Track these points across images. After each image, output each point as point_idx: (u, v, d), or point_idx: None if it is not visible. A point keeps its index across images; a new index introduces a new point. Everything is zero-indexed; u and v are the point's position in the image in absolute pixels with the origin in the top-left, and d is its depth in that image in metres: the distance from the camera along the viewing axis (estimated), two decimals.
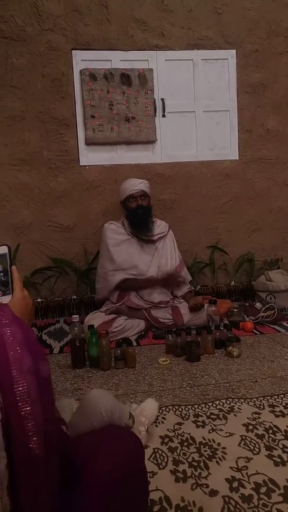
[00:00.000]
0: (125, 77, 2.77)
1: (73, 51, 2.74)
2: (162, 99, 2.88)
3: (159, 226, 2.58)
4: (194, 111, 2.95)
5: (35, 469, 0.55)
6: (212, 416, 1.42)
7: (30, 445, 0.54)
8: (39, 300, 2.78)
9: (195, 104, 2.95)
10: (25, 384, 0.55)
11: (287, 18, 2.96)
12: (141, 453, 0.87)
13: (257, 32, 2.93)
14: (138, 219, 2.43)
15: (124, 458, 0.79)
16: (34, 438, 0.54)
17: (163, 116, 2.90)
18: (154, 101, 2.85)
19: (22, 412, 0.54)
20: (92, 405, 1.05)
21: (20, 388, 0.55)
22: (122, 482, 0.76)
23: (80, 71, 2.74)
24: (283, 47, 2.99)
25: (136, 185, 2.43)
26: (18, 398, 0.54)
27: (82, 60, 2.76)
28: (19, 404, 0.54)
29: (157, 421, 1.40)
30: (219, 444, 1.26)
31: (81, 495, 0.72)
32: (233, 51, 2.93)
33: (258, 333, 2.33)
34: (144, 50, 2.82)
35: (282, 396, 1.55)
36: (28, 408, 0.55)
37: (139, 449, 0.86)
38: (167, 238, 2.56)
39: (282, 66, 3.00)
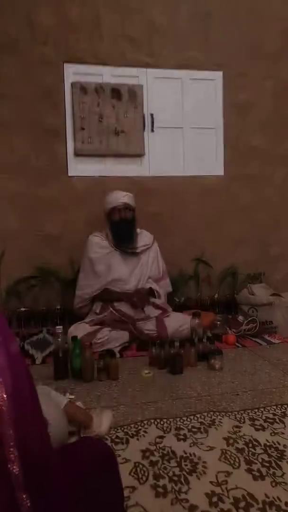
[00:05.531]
0: (116, 92, 2.83)
1: (65, 64, 2.78)
2: (151, 114, 2.94)
3: (144, 237, 2.60)
4: (182, 127, 3.02)
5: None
6: (193, 430, 1.43)
7: None
8: (22, 309, 2.75)
9: (183, 120, 3.02)
10: None
11: (271, 43, 3.09)
12: (113, 458, 0.90)
13: (242, 55, 3.05)
14: (121, 231, 2.46)
15: (95, 455, 0.82)
16: (4, 395, 0.56)
17: (152, 131, 2.96)
18: (143, 116, 2.91)
19: None
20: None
21: None
22: (96, 478, 0.78)
23: (71, 84, 2.78)
24: (268, 71, 3.11)
25: (120, 198, 2.45)
26: None
27: (73, 73, 2.80)
28: None
29: (139, 434, 1.40)
30: (199, 458, 1.27)
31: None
32: (220, 73, 3.03)
33: (240, 346, 2.36)
34: (135, 67, 2.89)
35: (262, 409, 1.57)
36: None
37: (109, 454, 0.89)
38: (151, 251, 2.58)
39: (266, 88, 3.12)
